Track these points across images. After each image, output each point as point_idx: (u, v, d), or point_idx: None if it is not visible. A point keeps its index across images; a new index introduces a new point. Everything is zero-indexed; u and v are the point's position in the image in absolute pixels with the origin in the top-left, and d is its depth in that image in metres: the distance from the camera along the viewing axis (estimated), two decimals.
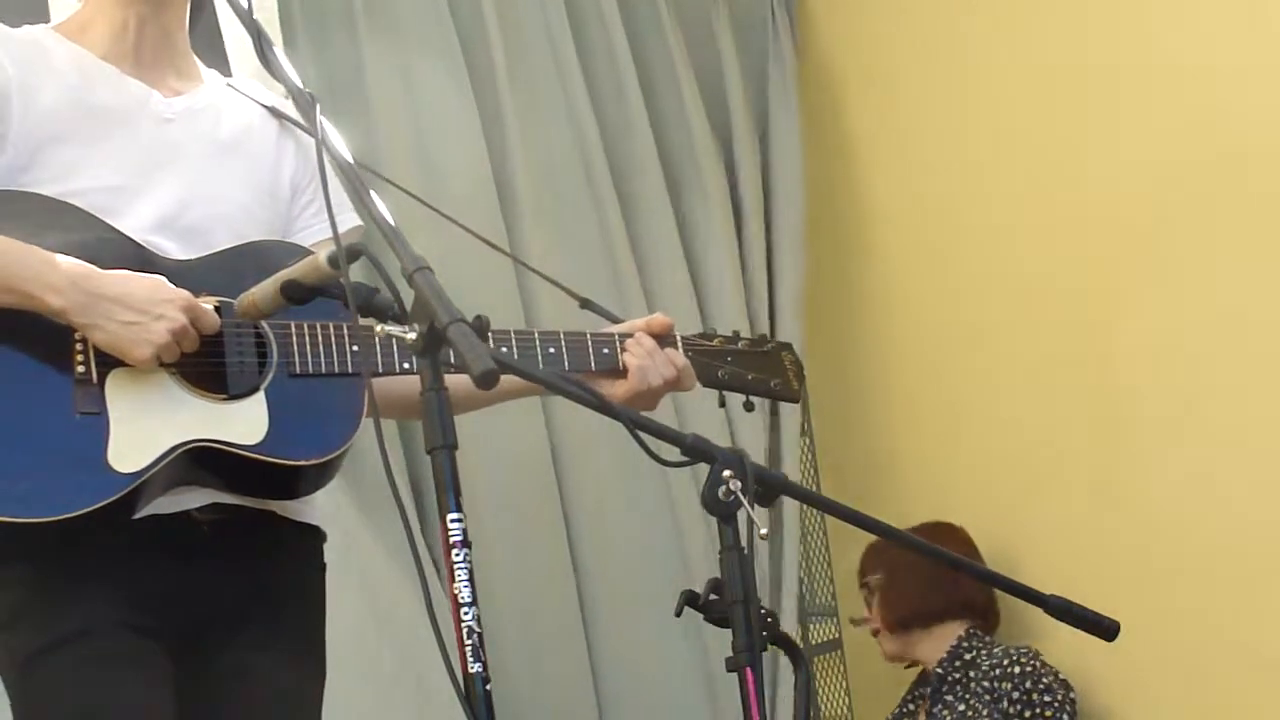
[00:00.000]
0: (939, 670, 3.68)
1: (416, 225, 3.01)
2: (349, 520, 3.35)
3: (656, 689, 3.76)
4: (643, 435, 1.93)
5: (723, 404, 2.59)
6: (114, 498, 1.98)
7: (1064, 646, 3.51)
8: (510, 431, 3.60)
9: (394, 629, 3.42)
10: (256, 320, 2.05)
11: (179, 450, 2.03)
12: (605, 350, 2.36)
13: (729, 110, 4.20)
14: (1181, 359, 3.55)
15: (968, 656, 3.65)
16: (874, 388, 4.28)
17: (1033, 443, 3.87)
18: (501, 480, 3.64)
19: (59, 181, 2.10)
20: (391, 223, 1.79)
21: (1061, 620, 2.13)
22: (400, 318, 1.79)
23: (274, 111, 2.33)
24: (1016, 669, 3.53)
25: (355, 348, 2.12)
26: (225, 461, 2.06)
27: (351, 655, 3.24)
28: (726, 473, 1.90)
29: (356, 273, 1.82)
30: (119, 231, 2.10)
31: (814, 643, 4.32)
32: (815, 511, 4.25)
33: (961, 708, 3.59)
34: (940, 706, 3.65)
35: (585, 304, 2.61)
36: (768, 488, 1.96)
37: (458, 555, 1.68)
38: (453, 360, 1.66)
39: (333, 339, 2.12)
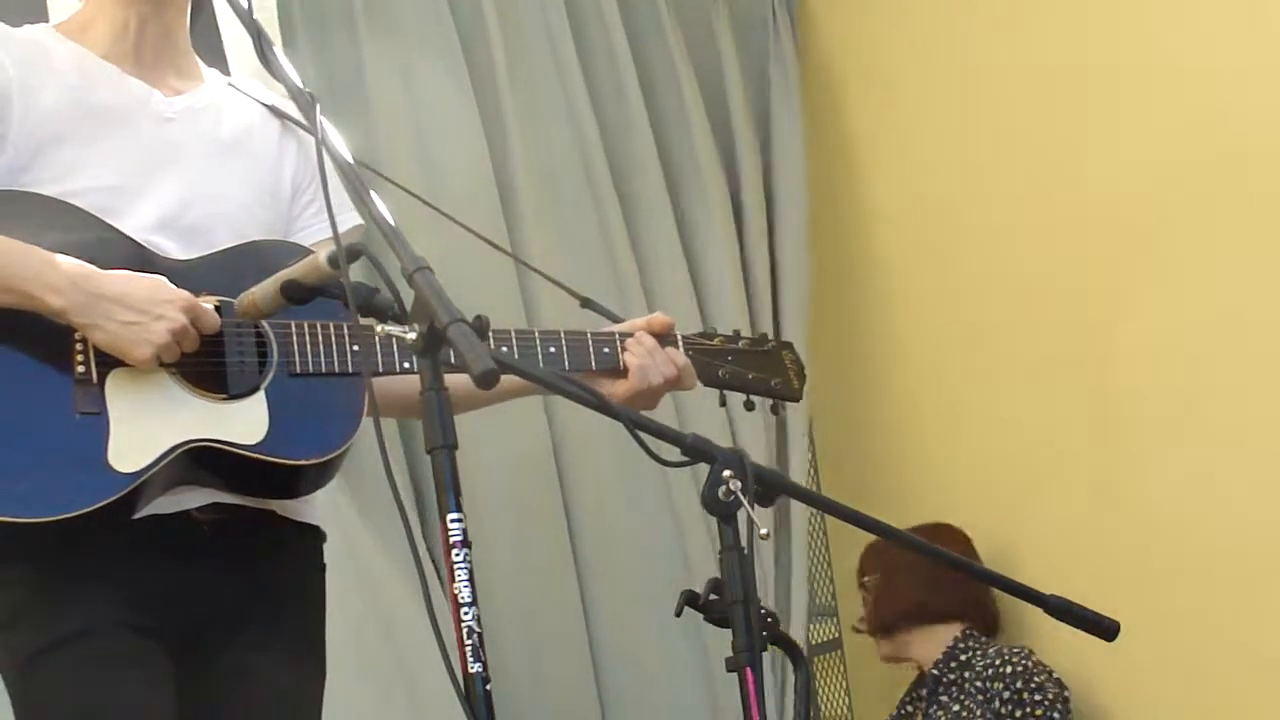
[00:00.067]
0: (934, 671, 3.68)
1: (416, 225, 3.01)
2: (348, 520, 3.36)
3: (657, 689, 3.76)
4: (643, 435, 1.93)
5: (723, 403, 2.58)
6: (114, 498, 1.98)
7: (1064, 646, 3.51)
8: (511, 431, 3.60)
9: (394, 629, 3.42)
10: (256, 320, 2.05)
11: (179, 450, 2.03)
12: (606, 349, 2.36)
13: (729, 110, 4.20)
14: (1181, 359, 3.55)
15: (963, 657, 3.65)
16: (874, 387, 4.28)
17: (1033, 443, 3.87)
18: (502, 480, 3.64)
19: (59, 181, 2.10)
20: (391, 222, 1.79)
21: (1061, 620, 2.13)
22: (400, 318, 1.79)
23: (275, 111, 2.33)
24: (1008, 668, 3.53)
25: (355, 347, 2.12)
26: (225, 461, 2.06)
27: (351, 655, 3.24)
28: (726, 473, 1.90)
29: (356, 272, 1.82)
30: (119, 231, 2.10)
31: (814, 643, 4.32)
32: (815, 511, 4.25)
33: (956, 708, 3.59)
34: (936, 708, 3.65)
35: (586, 303, 2.61)
36: (768, 488, 1.96)
37: (458, 555, 1.68)
38: (453, 360, 1.66)
39: (333, 339, 2.12)
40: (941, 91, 4.09)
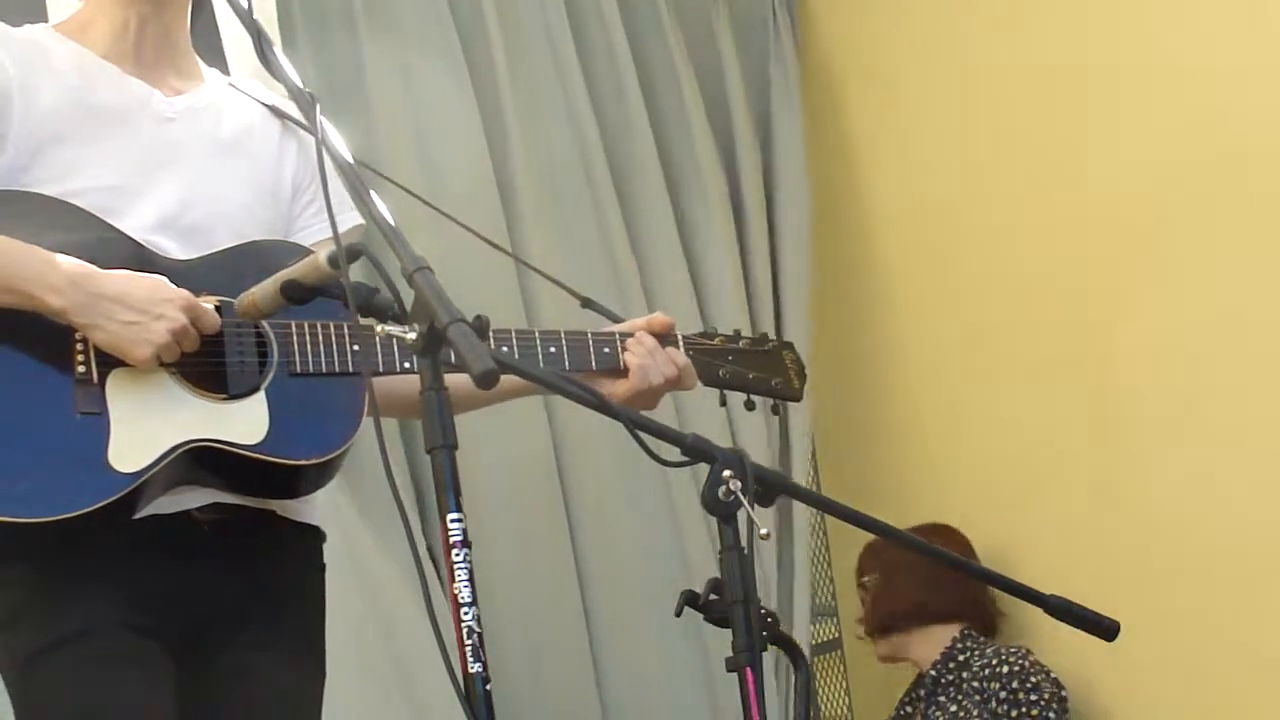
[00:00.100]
0: (932, 672, 3.68)
1: (417, 225, 3.01)
2: (348, 520, 3.36)
3: (657, 689, 3.76)
4: (643, 435, 1.93)
5: (724, 403, 2.58)
6: (114, 498, 1.98)
7: (1064, 647, 3.51)
8: (511, 431, 3.60)
9: (394, 629, 3.42)
10: (257, 320, 2.05)
11: (179, 450, 2.03)
12: (606, 349, 2.36)
13: (729, 111, 4.20)
14: (1181, 359, 3.55)
15: (961, 658, 3.66)
16: (873, 387, 4.29)
17: (1033, 443, 3.87)
18: (502, 480, 3.64)
19: (60, 181, 2.10)
20: (391, 222, 1.79)
21: (1061, 620, 2.13)
22: (400, 317, 1.79)
23: (275, 111, 2.33)
24: (1005, 668, 3.54)
25: (355, 347, 2.12)
26: (225, 461, 2.06)
27: (351, 655, 3.24)
28: (726, 473, 1.90)
29: (356, 272, 1.82)
30: (119, 231, 2.10)
31: (814, 643, 4.32)
32: (815, 511, 4.25)
33: (954, 709, 3.60)
34: (934, 708, 3.65)
35: (586, 303, 2.61)
36: (768, 488, 1.96)
37: (458, 555, 1.68)
38: (453, 360, 1.66)
39: (333, 338, 2.12)
40: (941, 91, 4.09)
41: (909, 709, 3.77)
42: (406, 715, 3.38)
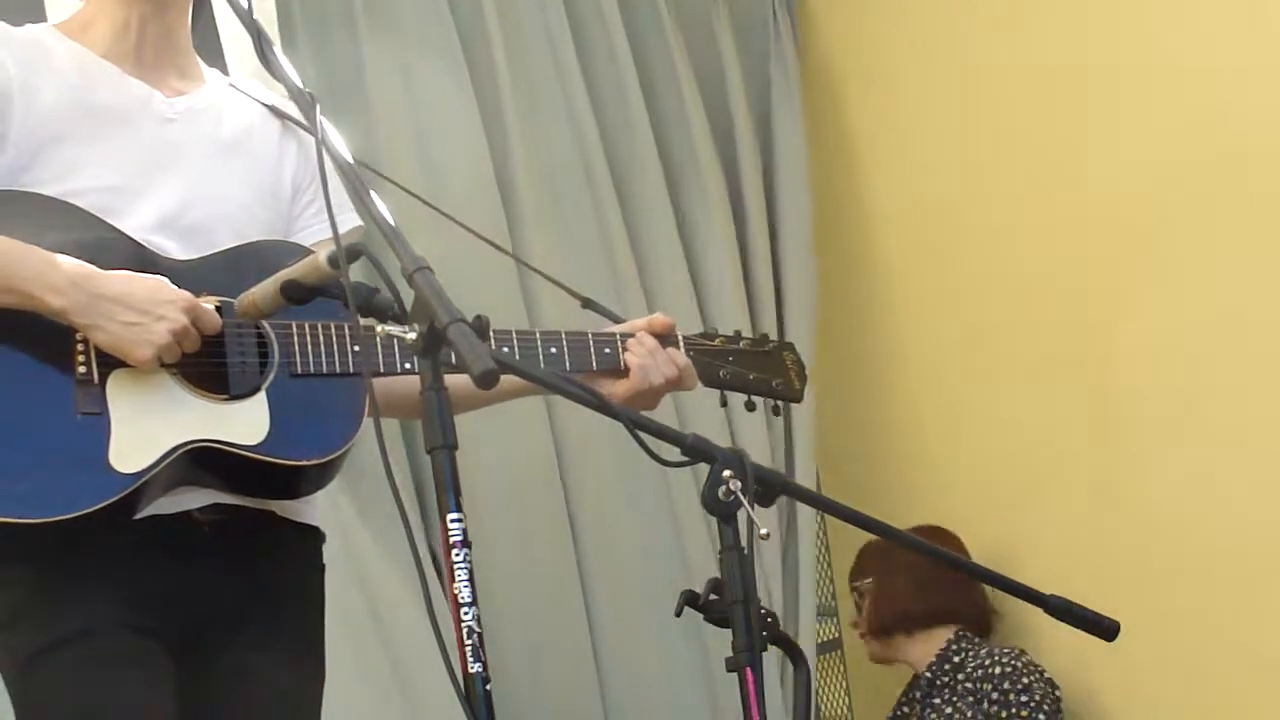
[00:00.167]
0: (928, 674, 3.69)
1: (417, 225, 3.01)
2: (348, 520, 3.36)
3: (657, 689, 3.76)
4: (643, 435, 1.93)
5: (724, 404, 2.59)
6: (115, 498, 1.98)
7: (1064, 647, 3.51)
8: (511, 432, 3.60)
9: (393, 629, 3.42)
10: (257, 320, 2.06)
11: (180, 450, 2.03)
12: (607, 350, 2.36)
13: (730, 111, 4.20)
14: (1181, 359, 3.55)
15: (956, 659, 3.66)
16: (873, 387, 4.29)
17: (1033, 443, 3.87)
18: (502, 480, 3.64)
19: (60, 181, 2.10)
20: (391, 223, 1.79)
21: (1061, 620, 2.13)
22: (400, 318, 1.79)
23: (275, 111, 2.33)
24: (997, 669, 3.54)
25: (356, 348, 2.12)
26: (226, 462, 2.06)
27: (350, 655, 3.24)
28: (726, 473, 1.90)
29: (356, 273, 1.83)
30: (120, 231, 2.10)
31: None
32: (815, 511, 4.25)
33: (949, 710, 3.60)
34: (929, 710, 3.65)
35: (587, 304, 2.61)
36: (768, 488, 1.96)
37: (458, 555, 1.68)
38: (453, 360, 1.66)
39: (334, 339, 2.12)
40: (941, 91, 4.09)
41: (905, 710, 3.77)
42: (406, 715, 3.38)
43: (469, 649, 1.67)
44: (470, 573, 1.69)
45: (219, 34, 3.04)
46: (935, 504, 3.94)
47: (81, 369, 2.02)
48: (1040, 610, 2.13)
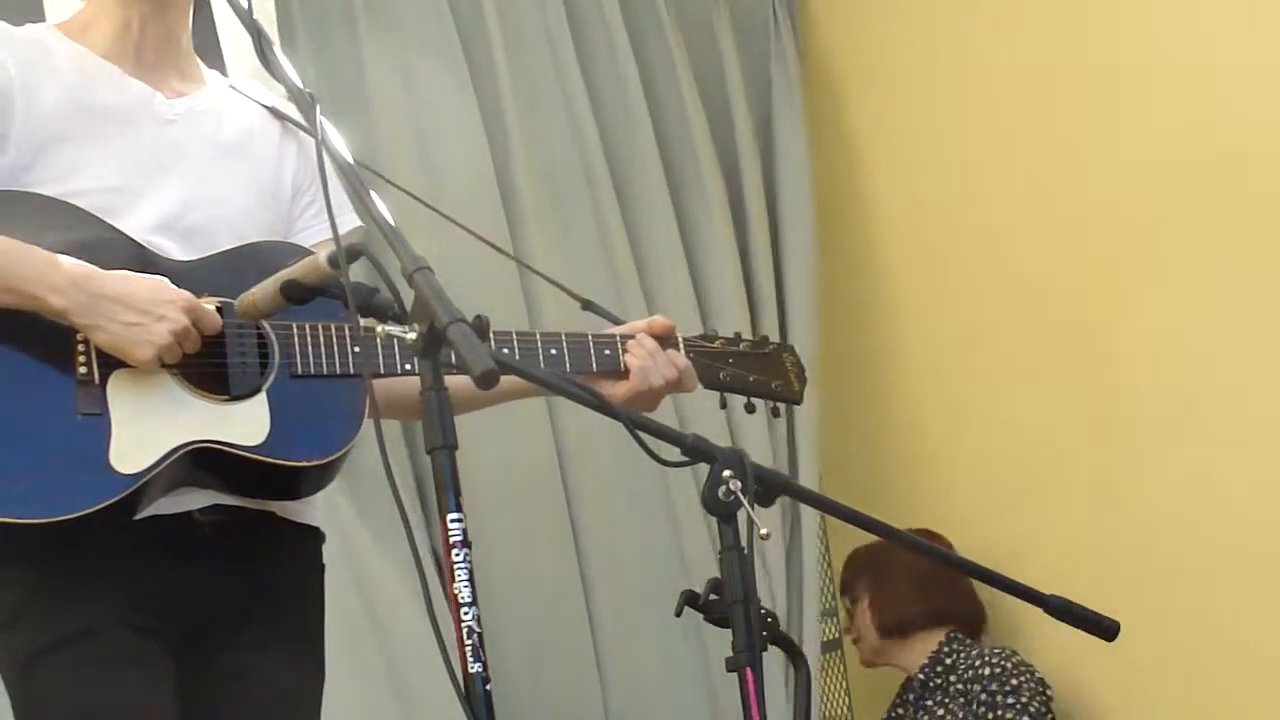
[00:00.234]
0: (920, 676, 3.69)
1: (417, 226, 3.01)
2: (347, 520, 3.36)
3: (657, 689, 3.76)
4: (643, 435, 1.93)
5: (724, 405, 2.58)
6: (115, 498, 1.98)
7: (1063, 647, 3.51)
8: (511, 432, 3.60)
9: (393, 629, 3.42)
10: (256, 320, 2.06)
11: (181, 451, 2.03)
12: (607, 351, 2.36)
13: (730, 112, 4.20)
14: (1181, 359, 3.55)
15: (948, 661, 3.66)
16: (873, 387, 4.28)
17: (1033, 443, 3.87)
18: (502, 480, 3.64)
19: (61, 182, 2.10)
20: (391, 223, 1.79)
21: (1061, 620, 2.13)
22: (400, 318, 1.79)
23: (275, 112, 2.33)
24: (986, 670, 3.54)
25: (356, 349, 2.12)
26: (226, 462, 2.06)
27: (350, 656, 3.24)
28: (726, 473, 1.90)
29: (357, 273, 1.83)
30: (120, 232, 2.10)
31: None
32: (815, 511, 4.25)
33: (940, 712, 3.60)
34: (922, 713, 3.65)
35: (587, 305, 2.61)
36: (768, 488, 1.96)
37: (458, 555, 1.69)
38: (453, 360, 1.66)
39: (334, 340, 2.12)
40: (941, 91, 4.09)
41: (899, 713, 3.77)
42: (406, 715, 3.38)
43: (469, 649, 1.67)
44: (470, 573, 1.69)
45: (218, 34, 3.04)
46: (935, 504, 3.94)
47: (82, 369, 2.02)
48: (1033, 610, 2.13)
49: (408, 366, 2.14)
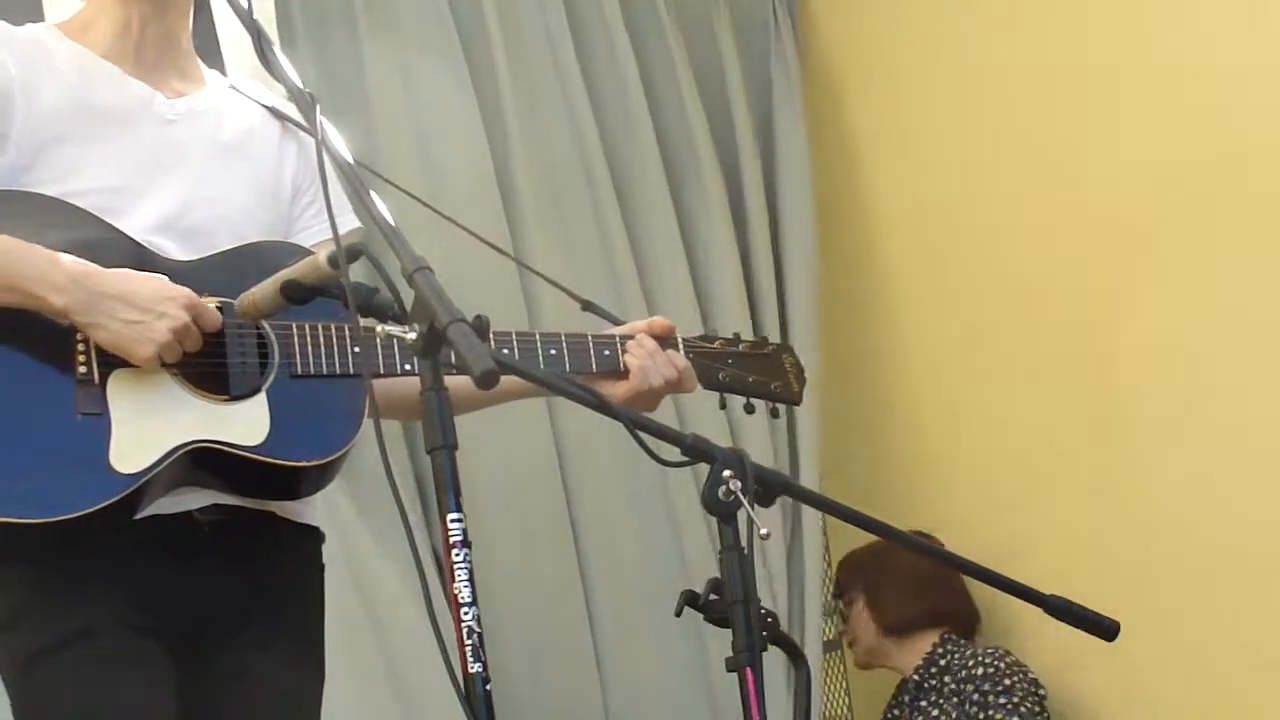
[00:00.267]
0: (915, 677, 3.69)
1: (417, 226, 3.01)
2: (347, 520, 3.36)
3: (656, 689, 3.76)
4: (643, 435, 1.93)
5: (723, 406, 2.59)
6: (115, 498, 1.98)
7: (1063, 647, 3.50)
8: (511, 432, 3.60)
9: (393, 629, 3.42)
10: (256, 320, 2.06)
11: (180, 451, 2.03)
12: (606, 352, 2.36)
13: (730, 112, 4.20)
14: (1181, 359, 3.55)
15: (942, 662, 3.66)
16: (873, 387, 4.28)
17: (1033, 443, 3.87)
18: (502, 480, 3.64)
19: (61, 181, 2.11)
20: (391, 223, 1.79)
21: (1061, 620, 2.13)
22: (400, 318, 1.79)
23: (275, 112, 2.33)
24: (980, 670, 3.54)
25: (356, 349, 2.12)
26: (226, 462, 2.06)
27: (350, 655, 3.24)
28: (726, 473, 1.90)
29: (357, 273, 1.83)
30: (120, 231, 2.10)
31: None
32: (815, 511, 4.25)
33: (935, 713, 3.60)
34: (917, 714, 3.65)
35: (586, 306, 2.61)
36: (768, 487, 1.96)
37: (458, 555, 1.69)
38: (453, 360, 1.66)
39: (334, 340, 2.12)
40: (941, 91, 4.09)
41: (895, 714, 3.77)
42: (406, 715, 3.38)
43: (469, 649, 1.67)
44: (470, 573, 1.69)
45: (218, 34, 3.04)
46: (935, 504, 3.94)
47: (82, 369, 2.02)
48: (1029, 610, 2.13)
49: (408, 366, 2.14)
